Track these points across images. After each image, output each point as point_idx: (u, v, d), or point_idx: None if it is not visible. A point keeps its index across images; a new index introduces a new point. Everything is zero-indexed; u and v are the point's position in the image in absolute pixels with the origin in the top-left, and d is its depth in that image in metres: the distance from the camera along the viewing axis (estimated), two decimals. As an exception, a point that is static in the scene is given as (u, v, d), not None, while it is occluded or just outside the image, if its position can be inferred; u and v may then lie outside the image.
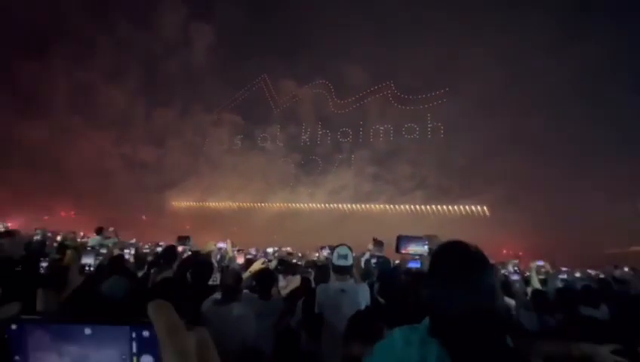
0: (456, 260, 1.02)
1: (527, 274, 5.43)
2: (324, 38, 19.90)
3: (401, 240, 1.63)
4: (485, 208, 19.01)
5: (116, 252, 4.09)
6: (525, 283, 4.56)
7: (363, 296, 2.70)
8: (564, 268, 6.78)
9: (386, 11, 18.90)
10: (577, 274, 6.50)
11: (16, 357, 0.34)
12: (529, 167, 16.59)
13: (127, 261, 4.03)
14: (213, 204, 22.51)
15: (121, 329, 0.34)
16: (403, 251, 1.60)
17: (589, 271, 7.76)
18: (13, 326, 0.34)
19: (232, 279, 2.51)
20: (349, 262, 2.88)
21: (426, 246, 1.41)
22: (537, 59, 16.84)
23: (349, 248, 2.91)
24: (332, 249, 2.93)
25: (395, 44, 18.80)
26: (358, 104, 21.83)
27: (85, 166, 20.27)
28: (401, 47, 18.66)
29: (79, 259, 2.60)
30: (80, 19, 19.11)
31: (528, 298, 3.51)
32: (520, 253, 16.06)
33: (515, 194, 16.88)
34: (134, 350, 0.34)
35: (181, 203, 22.83)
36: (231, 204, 22.25)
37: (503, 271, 4.91)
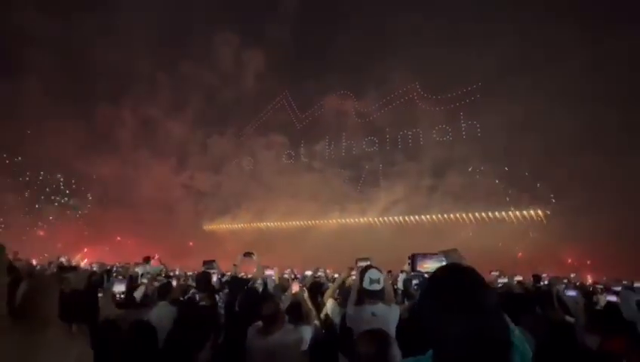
0: (451, 285, 0.96)
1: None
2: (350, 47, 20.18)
3: (417, 259, 1.55)
4: (540, 213, 17.44)
5: (159, 279, 4.34)
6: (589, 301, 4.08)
7: (393, 318, 2.67)
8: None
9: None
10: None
11: None
12: (589, 167, 14.87)
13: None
14: (258, 225, 22.94)
15: None
16: (419, 268, 1.53)
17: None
18: None
19: (271, 309, 2.55)
20: (381, 285, 2.80)
21: (443, 263, 1.34)
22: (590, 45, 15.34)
23: (380, 271, 2.85)
24: (361, 273, 2.88)
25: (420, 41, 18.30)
26: (384, 110, 21.37)
27: (146, 197, 21.97)
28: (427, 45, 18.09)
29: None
30: (143, 60, 21.16)
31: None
32: (588, 262, 14.36)
33: (576, 198, 15.25)
34: None
35: (215, 226, 23.48)
36: (280, 224, 22.55)
37: (558, 287, 4.42)
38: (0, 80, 17.94)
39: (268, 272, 4.84)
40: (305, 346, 2.55)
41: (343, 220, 21.26)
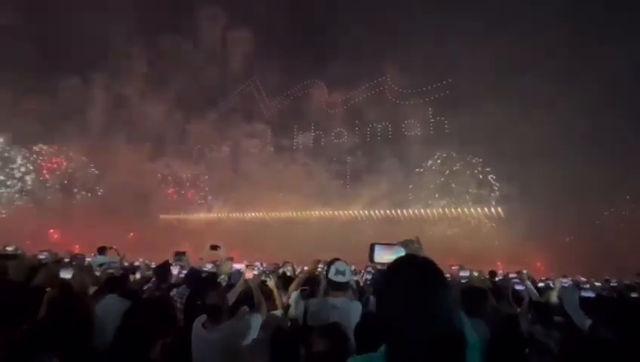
0: (413, 279, 0.94)
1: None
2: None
3: (375, 249, 1.53)
4: (500, 210, 18.24)
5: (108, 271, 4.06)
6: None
7: (354, 314, 2.64)
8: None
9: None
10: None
11: None
12: (554, 168, 15.62)
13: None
14: (233, 216, 22.14)
15: None
16: (377, 261, 1.51)
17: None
18: None
19: (214, 299, 2.48)
20: (347, 278, 2.82)
21: (402, 254, 1.34)
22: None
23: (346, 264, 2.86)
24: (328, 264, 2.88)
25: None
26: (352, 102, 21.39)
27: (118, 184, 20.66)
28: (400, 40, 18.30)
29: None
30: (120, 33, 19.84)
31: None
32: (538, 264, 15.32)
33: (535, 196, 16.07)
34: None
35: (168, 216, 22.56)
36: (246, 215, 21.87)
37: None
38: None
39: (237, 266, 4.70)
40: (252, 335, 2.51)
41: (322, 213, 20.98)
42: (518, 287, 3.81)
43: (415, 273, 0.96)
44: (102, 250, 5.17)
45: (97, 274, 3.50)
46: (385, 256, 1.52)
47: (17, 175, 19.55)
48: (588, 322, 2.61)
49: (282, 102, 22.72)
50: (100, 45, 19.93)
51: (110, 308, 2.68)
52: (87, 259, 4.46)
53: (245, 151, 22.44)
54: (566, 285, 5.01)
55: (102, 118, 20.86)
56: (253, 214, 21.78)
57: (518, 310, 3.66)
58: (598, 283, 6.28)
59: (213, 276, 4.24)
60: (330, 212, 20.72)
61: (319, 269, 3.63)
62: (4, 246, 6.19)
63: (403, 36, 18.34)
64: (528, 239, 15.85)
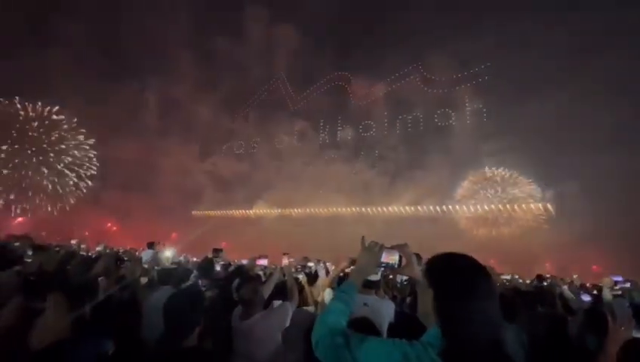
0: (476, 282, 0.97)
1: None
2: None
3: None
4: (551, 207, 16.82)
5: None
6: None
7: (387, 312, 2.59)
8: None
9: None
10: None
11: None
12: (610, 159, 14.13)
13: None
14: (262, 211, 22.61)
15: None
16: (383, 261, 1.56)
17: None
18: None
19: (250, 293, 2.59)
20: (379, 277, 2.80)
21: (397, 256, 1.43)
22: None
23: None
24: (353, 261, 2.88)
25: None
26: (385, 92, 20.93)
27: (167, 183, 22.33)
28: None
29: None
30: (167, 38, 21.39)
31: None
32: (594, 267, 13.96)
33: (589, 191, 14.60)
34: None
35: (203, 212, 23.25)
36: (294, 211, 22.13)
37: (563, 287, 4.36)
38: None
39: (260, 262, 4.81)
40: (285, 323, 2.57)
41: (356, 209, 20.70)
42: (585, 298, 3.54)
43: (480, 266, 1.02)
44: (151, 245, 5.59)
45: (145, 266, 3.79)
46: (392, 257, 1.57)
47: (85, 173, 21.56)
48: None
49: (310, 95, 22.82)
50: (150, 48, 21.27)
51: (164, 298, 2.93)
52: (142, 255, 4.84)
53: (278, 146, 22.72)
54: (619, 279, 4.55)
55: (152, 119, 22.29)
56: (290, 211, 21.99)
57: (570, 319, 3.42)
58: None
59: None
60: (360, 209, 20.37)
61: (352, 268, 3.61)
62: (70, 239, 6.96)
63: (445, 23, 17.54)
64: (584, 240, 14.53)
